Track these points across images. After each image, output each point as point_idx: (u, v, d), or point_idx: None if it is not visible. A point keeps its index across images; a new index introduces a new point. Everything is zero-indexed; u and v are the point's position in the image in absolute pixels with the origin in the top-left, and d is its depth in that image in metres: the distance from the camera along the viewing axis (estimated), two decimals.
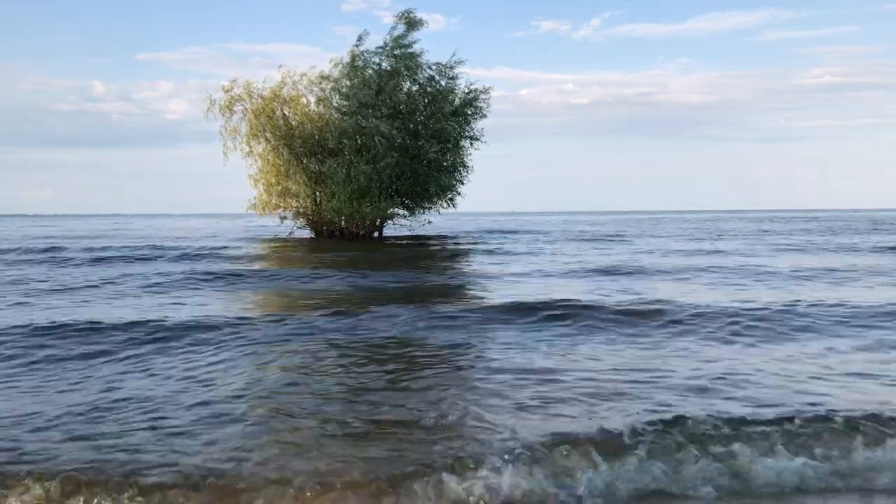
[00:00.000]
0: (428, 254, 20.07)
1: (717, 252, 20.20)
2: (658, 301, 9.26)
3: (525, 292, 10.57)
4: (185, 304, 9.42)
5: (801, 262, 16.20)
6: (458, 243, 25.63)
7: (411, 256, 18.75)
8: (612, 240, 28.44)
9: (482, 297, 10.33)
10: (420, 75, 27.73)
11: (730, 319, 7.97)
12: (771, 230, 37.55)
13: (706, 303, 9.14)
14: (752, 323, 7.83)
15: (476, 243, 25.44)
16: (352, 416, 4.40)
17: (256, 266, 15.33)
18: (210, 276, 12.53)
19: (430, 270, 14.52)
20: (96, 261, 16.95)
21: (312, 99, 28.51)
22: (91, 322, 7.53)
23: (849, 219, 62.88)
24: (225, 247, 22.23)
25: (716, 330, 7.53)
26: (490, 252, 20.80)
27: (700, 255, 19.13)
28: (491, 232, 35.71)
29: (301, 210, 29.02)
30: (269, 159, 28.27)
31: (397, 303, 9.20)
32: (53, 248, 21.02)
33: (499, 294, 10.59)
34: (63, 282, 12.10)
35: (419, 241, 26.08)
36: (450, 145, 27.72)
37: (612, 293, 10.51)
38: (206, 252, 19.29)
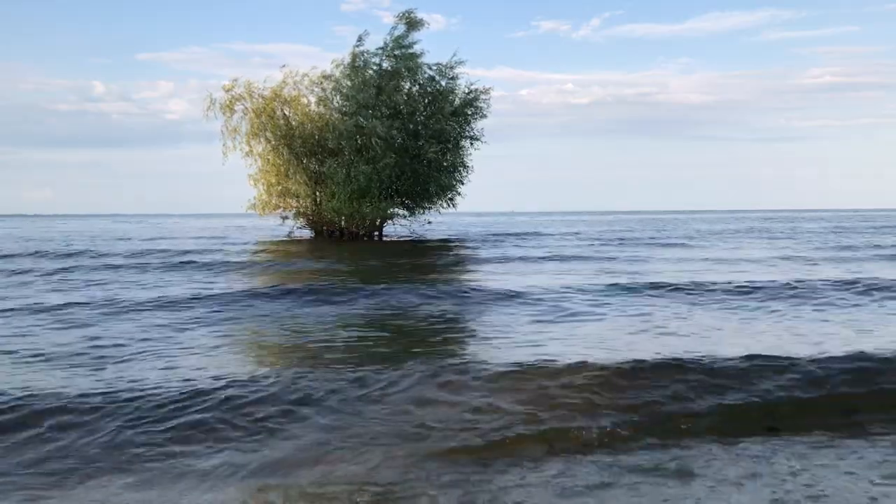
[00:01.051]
0: (439, 263, 17.72)
1: None
2: None
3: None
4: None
5: None
6: (468, 246, 24.46)
7: (423, 266, 16.45)
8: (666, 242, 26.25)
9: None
10: (420, 76, 27.76)
11: None
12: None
13: None
14: None
15: (485, 246, 24.36)
16: None
17: (251, 283, 12.63)
18: (197, 300, 9.88)
19: (448, 286, 11.51)
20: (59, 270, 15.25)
21: (313, 99, 28.60)
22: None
23: None
24: (221, 250, 21.66)
25: None
26: (523, 259, 18.22)
27: None
28: (499, 235, 33.71)
29: (301, 210, 29.05)
30: (269, 159, 28.30)
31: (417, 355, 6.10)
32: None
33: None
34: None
35: (423, 244, 25.44)
36: (450, 145, 27.75)
37: None
38: (200, 261, 17.03)
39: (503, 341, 6.98)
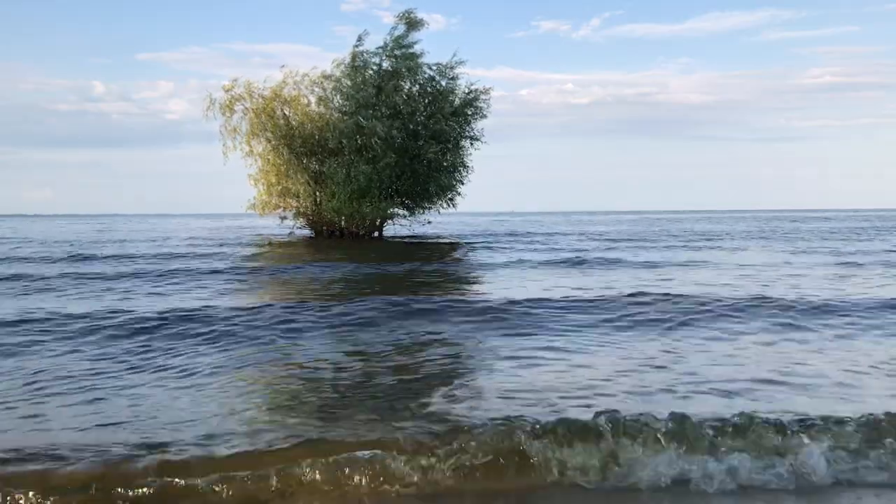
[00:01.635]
0: (446, 269, 15.89)
1: None
2: None
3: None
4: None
5: None
6: (475, 248, 23.42)
7: (429, 276, 14.02)
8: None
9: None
10: (420, 76, 27.79)
11: None
12: None
13: None
14: None
15: (493, 247, 23.59)
16: None
17: (258, 298, 10.83)
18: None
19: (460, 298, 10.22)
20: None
21: (313, 99, 28.63)
22: None
23: None
24: (226, 254, 20.44)
25: None
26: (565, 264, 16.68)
27: None
28: (502, 236, 33.06)
29: (301, 210, 29.07)
30: (269, 159, 28.34)
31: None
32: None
33: None
34: None
35: (426, 246, 24.97)
36: (450, 145, 27.80)
37: None
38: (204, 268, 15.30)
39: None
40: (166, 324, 8.01)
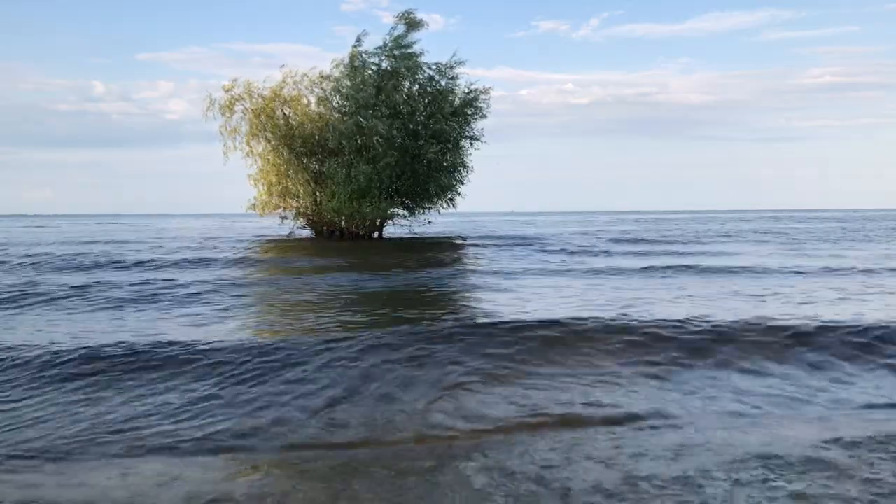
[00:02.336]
0: (461, 281, 13.87)
1: None
2: None
3: None
4: None
5: None
6: (482, 251, 22.24)
7: (439, 284, 12.66)
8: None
9: None
10: (420, 75, 27.76)
11: None
12: None
13: None
14: None
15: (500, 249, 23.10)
16: None
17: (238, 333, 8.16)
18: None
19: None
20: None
21: (313, 99, 28.60)
22: None
23: None
24: (225, 259, 19.22)
25: None
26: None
27: None
28: (503, 237, 32.40)
29: (301, 210, 29.05)
30: (269, 159, 28.32)
31: None
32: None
33: None
34: None
35: (430, 247, 24.39)
36: (450, 145, 27.76)
37: None
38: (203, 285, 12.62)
39: None
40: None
